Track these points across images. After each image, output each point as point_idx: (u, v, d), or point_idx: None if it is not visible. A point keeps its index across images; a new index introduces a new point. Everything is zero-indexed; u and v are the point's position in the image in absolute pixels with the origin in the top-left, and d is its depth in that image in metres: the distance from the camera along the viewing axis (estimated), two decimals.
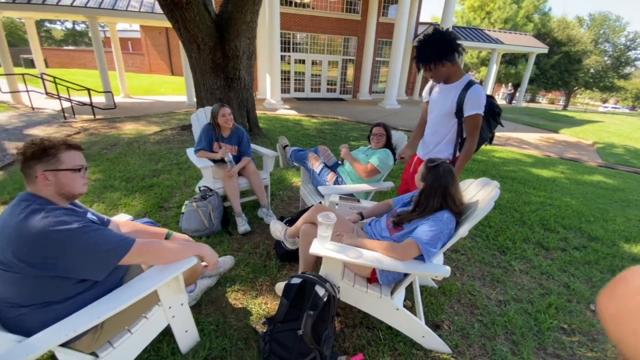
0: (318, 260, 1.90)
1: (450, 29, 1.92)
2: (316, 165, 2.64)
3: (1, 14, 8.85)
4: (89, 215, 1.39)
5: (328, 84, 15.52)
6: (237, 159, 2.86)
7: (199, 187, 2.75)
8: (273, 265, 2.25)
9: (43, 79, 8.22)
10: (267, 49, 10.71)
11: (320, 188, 2.33)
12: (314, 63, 14.83)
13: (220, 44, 5.01)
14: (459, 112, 1.89)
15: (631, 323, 0.32)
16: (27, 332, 1.07)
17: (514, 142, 8.41)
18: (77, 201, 1.41)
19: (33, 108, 8.37)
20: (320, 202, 2.36)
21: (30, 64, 15.96)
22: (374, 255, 1.49)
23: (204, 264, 1.55)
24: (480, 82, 25.71)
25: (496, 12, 23.22)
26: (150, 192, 3.41)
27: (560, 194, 4.35)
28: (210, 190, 2.67)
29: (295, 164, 2.88)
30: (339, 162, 2.83)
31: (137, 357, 1.41)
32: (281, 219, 2.36)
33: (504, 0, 22.99)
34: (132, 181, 3.68)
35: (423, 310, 1.87)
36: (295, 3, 13.53)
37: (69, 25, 40.85)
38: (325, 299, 1.47)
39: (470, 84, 1.85)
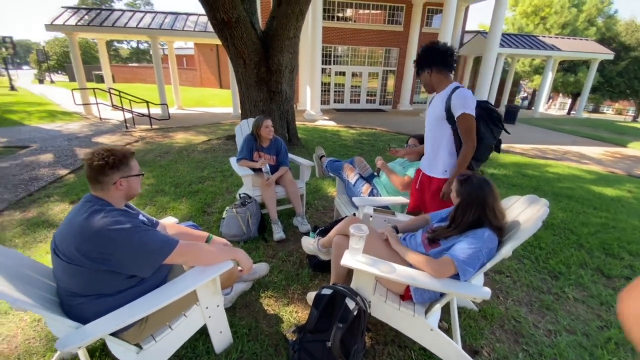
0: (350, 272, 1.89)
1: (448, 45, 1.89)
2: (351, 176, 2.65)
3: (77, 35, 10.13)
4: (141, 217, 1.52)
5: (368, 95, 15.51)
6: (275, 168, 2.96)
7: (239, 194, 2.88)
8: (305, 274, 2.27)
9: (110, 93, 9.22)
10: (309, 62, 11.02)
11: (354, 199, 2.33)
12: (354, 75, 14.95)
13: (265, 59, 5.27)
14: (449, 117, 1.89)
15: None
16: (84, 320, 1.19)
17: (572, 156, 7.69)
18: (130, 204, 1.56)
19: (101, 118, 9.42)
20: (354, 214, 2.36)
21: (101, 79, 18.00)
22: (408, 271, 1.45)
23: (239, 268, 1.62)
24: (534, 92, 24.03)
25: (552, 17, 21.65)
26: (195, 197, 3.65)
27: (626, 215, 3.87)
28: (249, 197, 2.78)
29: (331, 174, 2.91)
30: (375, 173, 2.81)
31: (176, 352, 1.50)
32: (315, 228, 2.39)
33: (561, 4, 21.40)
34: (180, 186, 3.96)
35: (460, 333, 1.77)
36: (338, 17, 13.83)
37: (134, 44, 45.58)
38: (355, 313, 1.46)
39: (456, 88, 1.88)
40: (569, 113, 22.52)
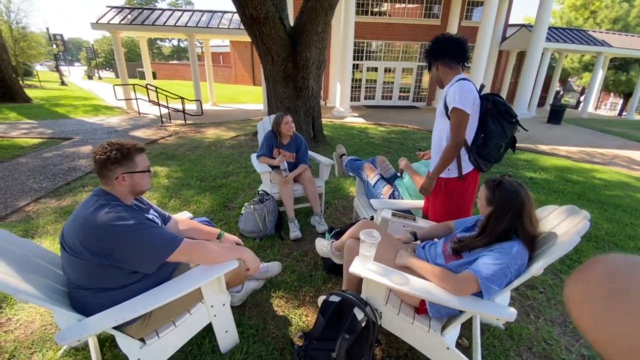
0: (363, 279, 1.79)
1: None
2: (371, 177, 2.52)
3: (121, 33, 10.74)
4: (152, 212, 1.52)
5: (401, 92, 15.05)
6: (294, 165, 2.91)
7: (259, 191, 2.87)
8: (319, 277, 2.20)
9: (147, 89, 9.69)
10: (340, 58, 10.87)
11: (372, 201, 2.21)
12: (386, 70, 14.56)
13: (292, 55, 5.23)
14: (446, 108, 1.78)
15: (591, 312, 0.32)
16: (88, 313, 1.20)
17: (621, 161, 6.93)
18: (143, 198, 1.56)
19: (139, 113, 9.94)
20: (371, 217, 2.24)
21: (143, 75, 19.08)
22: (423, 284, 1.33)
23: (246, 267, 1.57)
24: (583, 90, 22.05)
25: (603, 11, 19.76)
26: (219, 191, 3.70)
27: None
28: (267, 194, 2.76)
29: (351, 174, 2.80)
30: (398, 174, 2.66)
31: (181, 348, 1.49)
32: (331, 229, 2.31)
33: None
34: (205, 180, 4.04)
35: (482, 353, 1.61)
36: (372, 12, 13.51)
37: (175, 42, 47.81)
38: (363, 324, 1.36)
39: (457, 80, 1.77)
40: (619, 114, 20.42)
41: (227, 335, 1.63)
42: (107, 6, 10.87)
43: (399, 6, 13.72)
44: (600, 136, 9.97)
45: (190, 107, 10.24)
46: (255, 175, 4.22)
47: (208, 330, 1.63)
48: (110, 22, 10.04)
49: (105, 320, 1.16)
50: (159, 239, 1.27)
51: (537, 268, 1.20)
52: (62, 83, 20.30)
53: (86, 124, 7.98)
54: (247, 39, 10.62)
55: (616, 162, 6.72)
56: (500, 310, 1.23)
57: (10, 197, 3.50)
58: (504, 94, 15.40)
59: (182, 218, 1.81)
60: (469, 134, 1.82)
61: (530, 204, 1.33)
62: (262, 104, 11.73)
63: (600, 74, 14.46)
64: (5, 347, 1.65)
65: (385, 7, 13.73)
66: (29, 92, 12.37)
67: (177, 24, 10.54)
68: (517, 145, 1.87)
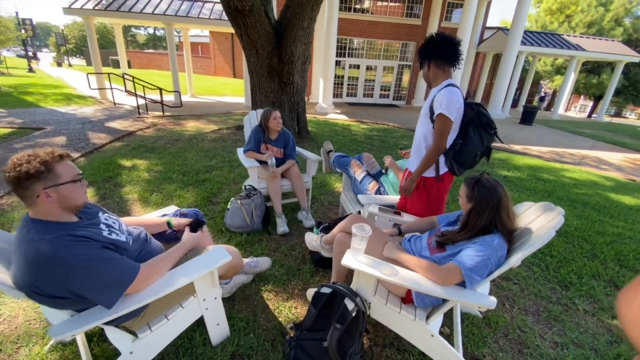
0: (351, 272, 1.84)
1: (455, 40, 1.78)
2: (358, 173, 2.59)
3: (94, 19, 10.21)
4: (101, 216, 1.35)
5: (382, 90, 15.28)
6: (282, 161, 2.92)
7: (245, 186, 2.86)
8: (307, 270, 2.24)
9: (124, 78, 9.30)
10: (323, 54, 10.88)
11: (360, 197, 2.28)
12: (368, 68, 14.72)
13: (277, 49, 5.19)
14: (432, 114, 1.81)
15: None
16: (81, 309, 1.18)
17: (590, 161, 7.42)
18: (91, 205, 1.37)
19: (114, 103, 9.53)
20: (359, 212, 2.31)
21: (117, 64, 18.21)
22: (410, 275, 1.40)
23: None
24: (554, 93, 23.26)
25: (578, 15, 20.84)
26: (202, 186, 3.65)
27: None
28: (255, 189, 2.76)
29: (338, 170, 2.85)
30: (383, 171, 2.74)
31: (172, 342, 1.49)
32: (318, 224, 2.35)
33: (588, 2, 20.52)
34: (187, 175, 3.97)
35: (462, 340, 1.72)
36: (354, 9, 13.57)
37: (151, 30, 45.88)
38: (354, 314, 1.42)
39: (447, 85, 1.80)
40: (589, 116, 21.78)
41: (218, 328, 1.64)
42: None
43: (381, 4, 13.86)
44: (570, 137, 10.57)
45: (169, 98, 9.92)
46: (240, 170, 4.19)
47: (198, 324, 1.64)
48: (84, 7, 9.51)
49: (101, 314, 1.15)
50: (112, 274, 1.15)
51: (516, 260, 1.30)
52: (30, 70, 19.04)
53: (58, 114, 7.57)
54: (228, 30, 10.40)
55: (585, 162, 7.18)
56: (482, 299, 1.32)
57: None
58: (479, 95, 15.99)
59: (128, 219, 1.64)
60: (449, 139, 1.88)
61: (507, 199, 1.43)
62: (243, 97, 11.55)
63: (572, 77, 15.29)
64: None
65: (367, 4, 13.83)
66: None
67: (155, 12, 10.13)
68: (492, 145, 1.94)
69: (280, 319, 1.84)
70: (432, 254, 1.53)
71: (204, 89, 15.53)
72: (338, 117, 9.99)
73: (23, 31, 20.12)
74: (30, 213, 1.14)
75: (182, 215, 1.88)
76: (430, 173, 1.98)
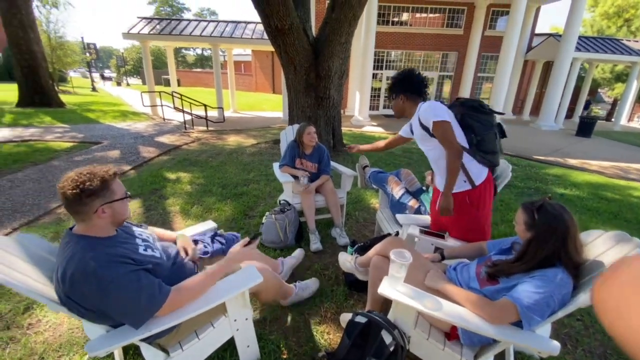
0: (389, 299, 1.73)
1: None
2: (396, 190, 2.46)
3: (149, 42, 11.18)
4: (135, 230, 1.40)
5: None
6: (316, 176, 2.89)
7: (280, 201, 2.86)
8: (340, 292, 2.14)
9: (173, 96, 10.02)
10: (360, 68, 10.90)
11: (398, 217, 2.15)
12: None
13: (315, 65, 5.27)
14: (429, 132, 1.85)
15: (617, 310, 0.34)
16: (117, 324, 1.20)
17: None
18: (130, 223, 1.43)
19: (164, 119, 10.27)
20: (397, 232, 2.18)
21: (168, 83, 19.78)
22: (456, 310, 1.26)
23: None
24: (615, 101, 21.10)
25: (638, 19, 18.96)
26: (239, 199, 3.72)
27: None
28: (289, 204, 2.74)
29: (374, 186, 2.75)
30: (424, 188, 2.59)
31: None
32: (353, 243, 2.25)
33: None
34: (226, 188, 4.08)
35: None
36: (392, 22, 13.52)
37: (199, 51, 49.50)
38: (392, 349, 1.30)
39: (420, 105, 1.92)
40: None
41: (248, 350, 1.60)
42: (138, 17, 11.38)
43: (420, 16, 13.68)
44: (635, 150, 9.45)
45: (212, 114, 10.48)
46: (276, 184, 4.23)
47: (229, 343, 1.60)
48: (140, 32, 10.49)
49: (133, 332, 1.16)
50: (140, 297, 1.14)
51: (585, 299, 1.11)
52: (93, 89, 21.33)
53: (114, 129, 8.31)
54: (269, 48, 10.84)
55: None
56: (543, 342, 1.14)
57: (43, 199, 3.65)
58: (528, 105, 14.97)
59: (157, 230, 1.66)
60: (461, 141, 1.81)
61: (575, 228, 1.24)
62: (281, 111, 11.87)
63: (634, 85, 13.81)
64: (35, 349, 1.68)
65: (406, 17, 13.71)
66: (63, 98, 13.04)
67: (202, 34, 10.89)
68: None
69: (311, 344, 1.75)
70: (481, 287, 1.37)
71: (245, 104, 16.25)
72: (374, 130, 9.86)
73: (88, 54, 22.68)
74: (77, 228, 1.18)
75: (221, 237, 1.88)
76: (463, 186, 1.84)
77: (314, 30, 6.24)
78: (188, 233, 1.86)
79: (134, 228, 1.42)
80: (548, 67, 14.34)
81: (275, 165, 3.05)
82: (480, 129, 1.83)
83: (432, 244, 1.88)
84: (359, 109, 11.11)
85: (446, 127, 1.76)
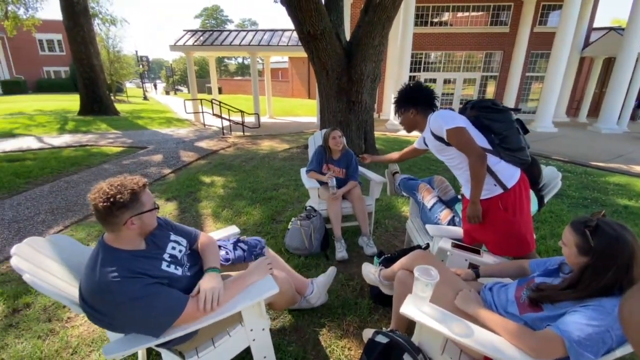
0: None
1: None
2: (428, 199, 2.30)
3: (194, 53, 11.86)
4: (171, 242, 1.39)
5: (461, 104, 14.18)
6: (344, 182, 2.80)
7: (306, 206, 2.81)
8: (365, 305, 2.03)
9: (212, 103, 10.51)
10: (396, 70, 10.64)
11: (428, 227, 1.99)
12: (446, 82, 13.89)
13: (347, 69, 5.20)
14: (440, 140, 1.77)
15: None
16: None
17: None
18: (166, 222, 1.43)
19: (204, 125, 10.79)
20: (427, 244, 2.02)
21: (211, 91, 20.89)
22: (490, 338, 1.10)
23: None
24: None
25: None
26: (268, 204, 3.74)
27: None
28: (315, 210, 2.69)
29: (404, 194, 2.60)
30: (459, 197, 2.39)
31: None
32: (380, 254, 2.13)
33: None
34: (257, 192, 4.14)
35: None
36: (431, 22, 13.08)
37: (240, 60, 51.77)
38: None
39: (429, 118, 1.85)
40: None
41: None
42: (184, 30, 12.16)
43: (462, 15, 13.09)
44: None
45: (249, 119, 10.83)
46: (304, 189, 4.20)
47: (247, 352, 1.57)
48: (186, 44, 11.18)
49: (150, 338, 1.16)
50: (160, 308, 1.16)
51: None
52: (145, 98, 23.12)
53: (159, 135, 8.89)
54: (304, 54, 11.01)
55: None
56: None
57: None
58: (585, 106, 13.63)
59: (204, 240, 1.60)
60: (482, 143, 1.70)
61: None
62: (315, 116, 11.94)
63: None
64: (70, 342, 1.78)
65: (447, 16, 13.19)
66: (118, 106, 14.28)
67: (241, 44, 11.34)
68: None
69: (332, 359, 1.67)
70: (521, 312, 1.20)
71: (281, 110, 16.59)
72: (410, 134, 9.52)
73: (141, 66, 24.66)
74: (107, 237, 1.21)
75: (244, 243, 1.86)
76: (494, 191, 1.69)
77: (347, 34, 6.20)
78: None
79: (171, 241, 1.39)
80: (609, 64, 12.96)
81: (303, 171, 3.02)
82: (499, 127, 1.72)
83: (466, 260, 1.71)
84: (394, 112, 10.82)
85: (461, 132, 1.66)
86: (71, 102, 15.14)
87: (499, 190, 1.68)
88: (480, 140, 1.71)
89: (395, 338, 1.28)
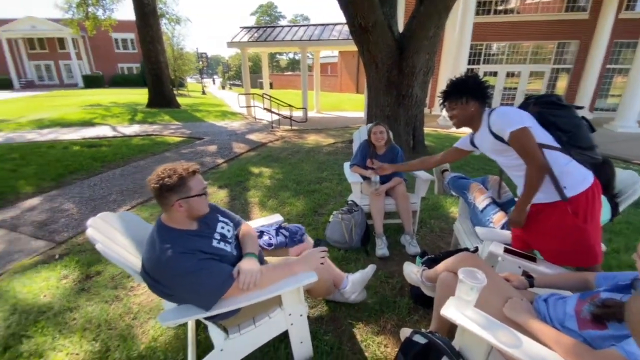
0: None
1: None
2: (479, 200, 2.15)
3: (248, 49, 12.38)
4: (220, 225, 1.49)
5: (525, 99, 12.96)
6: (388, 178, 2.74)
7: (347, 201, 2.81)
8: (404, 305, 1.98)
9: (263, 97, 10.91)
10: (452, 62, 10.05)
11: (478, 230, 1.87)
12: (509, 75, 12.77)
13: (398, 62, 5.05)
14: (501, 140, 1.60)
15: None
16: None
17: None
18: (217, 208, 1.56)
19: (255, 119, 11.26)
20: (476, 248, 1.91)
21: (262, 86, 21.73)
22: (541, 353, 1.01)
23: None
24: None
25: None
26: (311, 196, 3.81)
27: None
28: (357, 205, 2.67)
29: (453, 193, 2.46)
30: (516, 199, 2.20)
31: (260, 347, 1.52)
32: (423, 254, 2.06)
33: None
34: (301, 184, 4.23)
35: None
36: (496, 10, 12.06)
37: (291, 55, 52.91)
38: None
39: (490, 112, 1.67)
40: None
41: (301, 346, 1.60)
42: (240, 27, 12.75)
43: (531, 1, 11.85)
44: None
45: (297, 114, 11.05)
46: (347, 184, 4.15)
47: (285, 335, 1.63)
48: (241, 40, 11.72)
49: (199, 310, 1.26)
50: (210, 283, 1.26)
51: None
52: (203, 93, 24.76)
53: (215, 127, 9.49)
54: (354, 48, 10.90)
55: None
56: None
57: None
58: None
59: (244, 228, 1.68)
60: (550, 142, 1.55)
61: None
62: (362, 111, 11.79)
63: None
64: (132, 309, 2.01)
65: (514, 3, 12.05)
66: (180, 100, 15.49)
67: (292, 39, 11.57)
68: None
69: (366, 354, 1.66)
70: (580, 328, 1.08)
71: (329, 104, 16.65)
72: (463, 130, 8.94)
73: (200, 62, 26.42)
74: (163, 216, 1.35)
75: (285, 229, 1.93)
76: (552, 197, 1.52)
77: (401, 26, 5.99)
78: (256, 225, 1.96)
79: (219, 221, 1.51)
80: None
81: (346, 165, 3.02)
82: (565, 123, 1.57)
83: (520, 267, 1.58)
84: (440, 104, 10.25)
85: (526, 136, 1.50)
86: (141, 95, 16.75)
87: (571, 193, 1.50)
88: (547, 138, 1.55)
89: (434, 339, 1.24)
